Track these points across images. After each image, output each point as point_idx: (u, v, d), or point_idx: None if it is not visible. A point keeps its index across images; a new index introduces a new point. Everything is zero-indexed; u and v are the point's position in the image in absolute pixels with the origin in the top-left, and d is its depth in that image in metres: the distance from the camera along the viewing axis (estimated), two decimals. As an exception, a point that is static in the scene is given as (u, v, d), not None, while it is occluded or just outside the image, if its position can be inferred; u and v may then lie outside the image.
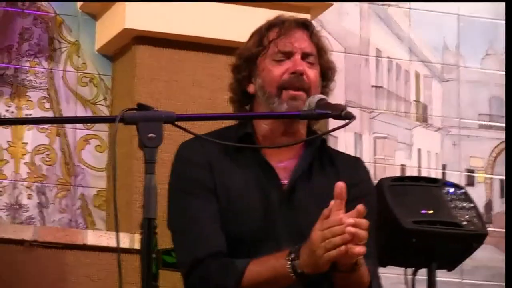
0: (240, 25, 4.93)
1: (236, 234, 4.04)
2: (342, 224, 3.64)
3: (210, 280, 3.99)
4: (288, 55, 4.11)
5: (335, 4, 5.79)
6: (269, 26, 4.17)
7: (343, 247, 3.66)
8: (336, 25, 5.89)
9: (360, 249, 3.67)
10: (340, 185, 3.67)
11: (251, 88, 4.17)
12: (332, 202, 3.67)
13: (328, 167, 4.19)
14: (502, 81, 6.25)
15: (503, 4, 6.25)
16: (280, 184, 4.10)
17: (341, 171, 4.15)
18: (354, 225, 3.64)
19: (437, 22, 6.24)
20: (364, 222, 3.65)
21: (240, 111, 4.28)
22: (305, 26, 4.19)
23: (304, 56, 4.10)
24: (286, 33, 4.14)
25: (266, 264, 3.91)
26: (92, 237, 5.29)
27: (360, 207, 3.65)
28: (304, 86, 4.04)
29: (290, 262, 3.81)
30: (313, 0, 5.65)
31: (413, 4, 6.22)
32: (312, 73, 4.09)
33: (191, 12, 5.49)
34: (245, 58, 4.19)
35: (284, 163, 4.15)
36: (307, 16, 5.23)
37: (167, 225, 4.10)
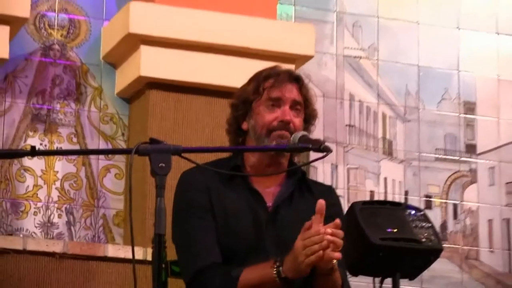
0: (235, 74, 4.92)
1: (231, 247, 4.06)
2: (320, 235, 3.70)
3: (210, 285, 4.01)
4: (279, 103, 4.13)
5: (316, 56, 5.78)
6: (266, 76, 4.19)
7: (321, 253, 3.71)
8: (316, 74, 5.91)
9: (338, 254, 3.74)
10: (321, 202, 3.74)
11: (245, 125, 4.22)
12: (313, 217, 3.72)
13: (306, 193, 4.21)
14: (455, 121, 6.25)
15: (456, 57, 6.23)
16: (266, 206, 4.13)
17: (317, 196, 4.07)
18: (332, 234, 3.70)
19: (401, 71, 6.24)
20: (340, 232, 3.73)
21: (234, 142, 4.28)
22: (296, 79, 4.21)
23: (292, 106, 4.12)
24: (279, 84, 4.16)
25: (256, 272, 3.93)
26: (112, 250, 5.27)
27: (337, 221, 3.72)
28: (290, 131, 4.06)
29: (275, 268, 3.84)
30: (297, 52, 5.62)
31: (380, 57, 6.19)
32: (298, 121, 4.13)
33: (195, 62, 5.52)
34: (243, 100, 4.22)
35: (269, 189, 4.18)
36: (292, 66, 5.23)
37: (172, 240, 4.09)
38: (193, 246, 4.08)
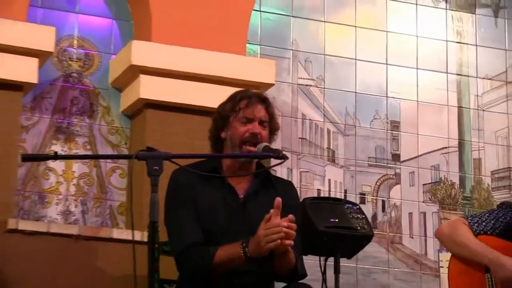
0: (214, 97, 4.89)
1: (210, 230, 4.11)
2: (279, 226, 3.79)
3: (192, 261, 4.04)
4: (251, 120, 4.20)
5: (276, 84, 5.81)
6: (241, 97, 4.25)
7: (278, 241, 3.80)
8: (276, 98, 5.91)
9: (290, 242, 3.84)
10: (278, 200, 3.84)
11: (223, 135, 4.31)
12: (272, 211, 3.82)
13: (270, 188, 4.25)
14: (384, 136, 6.29)
15: (385, 86, 6.25)
16: (238, 198, 4.20)
17: (279, 190, 4.23)
18: (287, 227, 3.80)
19: (342, 97, 6.25)
20: (294, 226, 3.82)
21: (214, 147, 4.35)
22: (264, 101, 4.28)
23: (260, 122, 4.20)
24: (251, 104, 4.22)
25: (227, 250, 3.99)
26: (116, 233, 5.28)
27: (291, 216, 3.82)
28: (258, 141, 4.13)
29: (242, 249, 3.93)
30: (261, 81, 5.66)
31: (326, 85, 6.21)
32: (264, 133, 4.20)
33: (182, 87, 5.55)
34: (222, 115, 4.30)
35: (240, 185, 4.23)
36: (258, 90, 5.19)
37: (164, 224, 4.13)
38: (180, 229, 4.14)
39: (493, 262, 4.49)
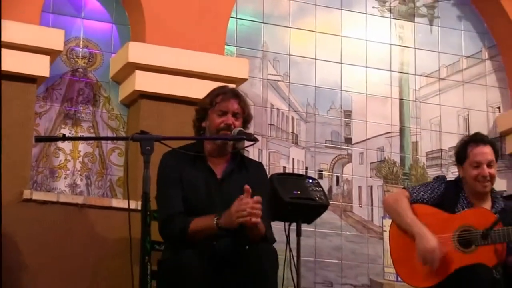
0: (197, 89, 4.94)
1: (191, 205, 4.10)
2: (247, 205, 3.82)
3: (171, 227, 4.06)
4: (225, 112, 4.19)
5: (249, 79, 5.80)
6: (218, 93, 4.25)
7: (247, 218, 3.83)
8: (249, 91, 5.93)
9: (256, 220, 3.87)
10: (247, 188, 3.88)
11: (203, 124, 4.33)
12: (242, 196, 3.88)
13: (243, 169, 4.25)
14: (338, 122, 6.27)
15: (339, 81, 6.24)
16: (216, 178, 4.20)
17: (251, 171, 4.25)
18: (253, 208, 3.85)
19: (303, 90, 6.25)
20: (259, 206, 3.86)
21: (197, 135, 4.35)
22: (237, 96, 4.28)
23: (233, 114, 4.21)
24: (225, 99, 4.22)
25: (203, 221, 3.99)
26: (115, 203, 5.28)
27: (257, 198, 3.87)
28: (231, 130, 4.16)
29: (215, 220, 3.94)
30: (237, 76, 5.64)
31: (291, 80, 6.18)
32: (237, 123, 4.20)
33: (171, 81, 5.52)
34: (202, 108, 4.34)
35: (219, 166, 4.22)
36: (233, 85, 5.22)
37: (155, 197, 4.14)
38: (166, 201, 4.14)
39: (417, 235, 4.53)
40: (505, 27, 6.67)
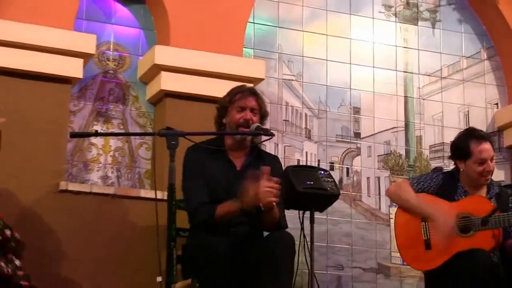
0: (219, 88, 4.91)
1: (214, 194, 4.11)
2: (265, 185, 3.86)
3: (199, 217, 4.06)
4: (244, 108, 4.19)
5: (266, 79, 5.80)
6: (237, 91, 4.25)
7: (265, 199, 3.86)
8: (266, 90, 5.90)
9: (275, 199, 3.87)
10: (266, 168, 3.92)
11: (224, 120, 4.33)
12: (257, 173, 3.91)
13: (261, 161, 4.22)
14: (348, 118, 6.25)
15: (349, 80, 6.22)
16: (236, 170, 4.21)
17: (267, 163, 4.20)
18: (271, 187, 3.86)
19: (316, 89, 6.22)
20: (277, 186, 3.88)
21: (218, 130, 4.35)
22: (254, 93, 4.29)
23: (251, 110, 4.21)
24: (244, 96, 4.21)
25: (225, 205, 4.01)
26: (143, 193, 5.28)
27: (276, 179, 3.90)
28: (249, 125, 4.15)
29: (236, 203, 3.97)
30: (254, 76, 5.64)
31: (304, 80, 6.16)
32: (255, 118, 4.20)
33: (194, 81, 5.52)
34: (222, 106, 4.34)
35: (238, 159, 4.22)
36: (251, 84, 5.22)
37: (181, 188, 4.13)
38: (192, 192, 4.15)
39: (430, 217, 4.56)
40: (502, 29, 6.64)
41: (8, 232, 3.51)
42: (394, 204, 5.89)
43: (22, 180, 4.91)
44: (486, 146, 4.63)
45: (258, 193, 3.85)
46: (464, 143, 4.67)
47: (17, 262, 3.49)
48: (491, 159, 4.62)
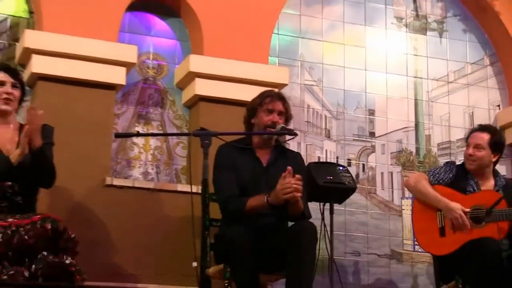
0: (247, 93, 4.90)
1: (243, 187, 4.09)
2: (290, 183, 3.81)
3: (230, 208, 4.03)
4: (272, 111, 4.17)
5: (289, 84, 5.78)
6: (267, 95, 4.23)
7: (291, 194, 3.81)
8: (289, 94, 5.86)
9: (298, 194, 3.85)
10: (289, 168, 3.86)
11: (253, 121, 4.29)
12: (284, 174, 3.86)
13: (285, 158, 4.22)
14: (363, 119, 6.22)
15: (364, 85, 6.18)
16: (262, 165, 4.20)
17: (291, 159, 4.22)
18: (295, 184, 3.81)
19: (334, 93, 6.20)
20: (300, 182, 3.84)
21: (247, 130, 4.34)
22: (281, 98, 4.28)
23: (279, 113, 4.20)
24: (273, 101, 4.19)
25: (255, 199, 3.97)
26: (180, 187, 5.28)
27: (298, 176, 3.86)
28: (275, 127, 4.15)
29: (265, 197, 3.92)
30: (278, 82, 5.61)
31: (324, 85, 6.14)
32: (281, 121, 4.19)
33: (226, 86, 5.51)
34: (252, 107, 4.34)
35: (264, 156, 4.20)
36: (276, 89, 5.20)
37: (212, 182, 4.13)
38: (223, 185, 4.13)
39: (445, 209, 4.52)
40: (503, 38, 6.59)
41: (63, 235, 3.50)
42: (406, 196, 5.88)
43: (73, 175, 4.93)
44: (476, 133, 4.66)
45: (284, 189, 3.85)
46: (468, 133, 4.79)
47: (70, 260, 3.47)
48: (475, 146, 4.61)
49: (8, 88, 3.87)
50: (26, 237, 3.42)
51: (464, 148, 4.80)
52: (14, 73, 3.95)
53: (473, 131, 4.74)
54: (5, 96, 3.85)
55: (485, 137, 4.65)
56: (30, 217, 3.53)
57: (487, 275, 4.19)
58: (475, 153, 4.63)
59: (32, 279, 3.37)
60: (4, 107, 3.87)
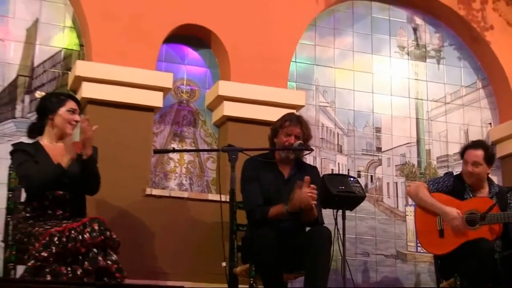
0: (270, 114, 4.88)
1: (267, 197, 4.06)
2: (305, 192, 3.79)
3: (255, 216, 3.99)
4: (290, 134, 4.13)
5: (306, 106, 5.76)
6: (286, 119, 4.19)
7: (306, 201, 3.81)
8: (305, 114, 5.81)
9: (314, 202, 3.84)
10: (307, 178, 3.83)
11: (275, 140, 4.24)
12: (301, 183, 3.84)
13: (303, 170, 4.18)
14: (371, 136, 6.17)
15: (371, 106, 6.14)
16: (284, 178, 4.16)
17: (308, 172, 4.17)
18: (311, 192, 3.79)
19: (345, 113, 6.17)
20: (315, 191, 3.82)
21: (271, 146, 4.28)
22: (300, 121, 4.23)
23: (296, 136, 4.14)
24: (291, 124, 4.14)
25: (276, 208, 3.94)
26: (211, 197, 5.26)
27: (313, 185, 3.83)
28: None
29: (285, 206, 3.88)
30: (295, 104, 5.58)
31: (336, 106, 6.11)
32: (298, 141, 4.13)
33: (251, 108, 5.50)
34: (274, 129, 4.30)
35: (285, 170, 4.17)
36: (294, 110, 5.18)
37: (240, 192, 4.09)
38: (250, 196, 4.10)
39: (441, 213, 4.47)
40: (493, 64, 6.54)
41: (108, 233, 3.49)
42: (410, 204, 5.81)
43: (117, 187, 4.93)
44: (471, 151, 4.57)
45: (301, 197, 3.81)
46: (463, 149, 4.68)
47: (114, 257, 3.46)
48: (473, 163, 4.52)
49: (76, 116, 3.90)
50: (79, 237, 3.42)
51: (461, 161, 4.73)
52: (78, 102, 4.00)
53: (467, 147, 4.66)
54: (74, 123, 3.89)
55: (480, 153, 4.58)
56: (80, 220, 3.52)
57: (482, 271, 4.15)
58: (474, 170, 4.56)
59: (86, 275, 3.36)
60: (72, 131, 3.90)
